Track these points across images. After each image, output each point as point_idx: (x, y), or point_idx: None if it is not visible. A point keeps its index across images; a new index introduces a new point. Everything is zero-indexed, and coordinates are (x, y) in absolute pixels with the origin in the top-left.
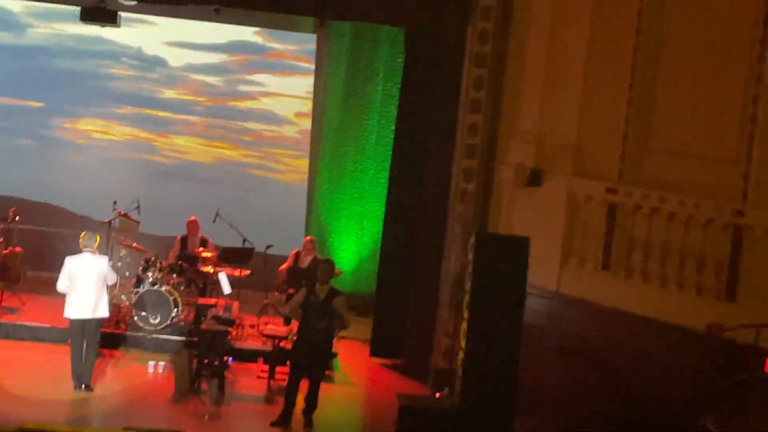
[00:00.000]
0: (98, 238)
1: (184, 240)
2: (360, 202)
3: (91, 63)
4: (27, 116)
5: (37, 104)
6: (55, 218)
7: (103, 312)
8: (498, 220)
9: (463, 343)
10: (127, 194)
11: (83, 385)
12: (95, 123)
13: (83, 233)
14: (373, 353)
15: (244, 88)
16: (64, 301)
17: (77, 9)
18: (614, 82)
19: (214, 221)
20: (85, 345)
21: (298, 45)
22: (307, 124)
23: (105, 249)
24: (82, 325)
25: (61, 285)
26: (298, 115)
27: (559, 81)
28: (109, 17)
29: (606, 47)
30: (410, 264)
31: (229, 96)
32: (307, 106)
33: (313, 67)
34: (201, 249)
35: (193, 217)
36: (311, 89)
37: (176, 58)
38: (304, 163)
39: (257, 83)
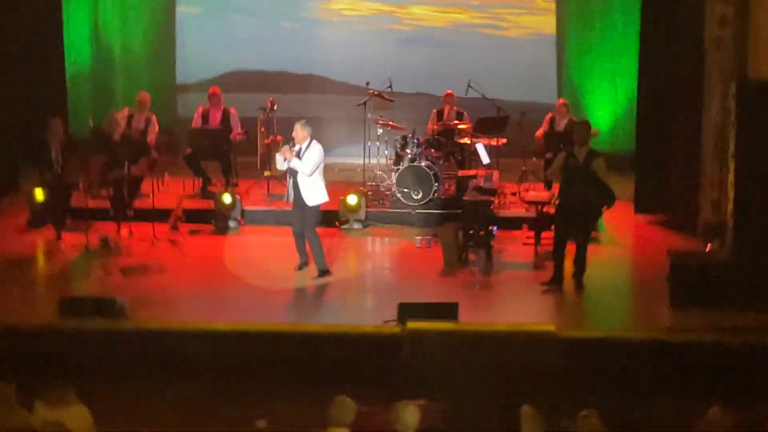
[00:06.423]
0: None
1: (440, 113)
2: (611, 60)
3: None
4: (288, 1)
5: None
6: (321, 86)
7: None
8: (757, 67)
9: (731, 194)
10: (376, 62)
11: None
12: (345, 2)
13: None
14: (638, 210)
15: None
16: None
17: None
18: None
19: (466, 93)
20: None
21: None
22: None
23: (362, 130)
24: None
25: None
26: None
27: None
28: None
29: None
30: (668, 118)
31: None
32: None
33: None
34: (457, 122)
35: (449, 91)
36: None
37: None
38: (528, 20)
39: None
